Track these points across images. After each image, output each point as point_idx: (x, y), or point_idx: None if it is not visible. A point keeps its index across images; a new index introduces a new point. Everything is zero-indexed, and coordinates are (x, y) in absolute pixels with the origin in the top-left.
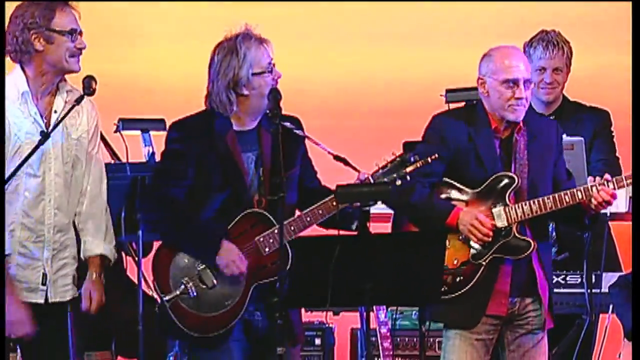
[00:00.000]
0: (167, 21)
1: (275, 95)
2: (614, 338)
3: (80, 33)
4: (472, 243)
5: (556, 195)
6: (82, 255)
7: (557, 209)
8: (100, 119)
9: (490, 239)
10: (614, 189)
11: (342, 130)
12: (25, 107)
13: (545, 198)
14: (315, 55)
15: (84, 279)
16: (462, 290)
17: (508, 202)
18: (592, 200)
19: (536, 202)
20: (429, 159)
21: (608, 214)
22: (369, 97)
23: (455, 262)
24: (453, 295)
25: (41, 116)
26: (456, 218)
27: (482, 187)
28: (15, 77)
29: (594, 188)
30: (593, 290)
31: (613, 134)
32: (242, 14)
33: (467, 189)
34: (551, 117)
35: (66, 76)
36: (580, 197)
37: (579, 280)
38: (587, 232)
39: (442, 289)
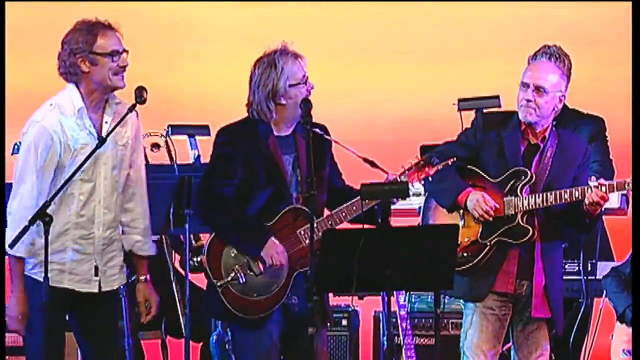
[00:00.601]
0: (209, 40)
1: (306, 104)
2: (608, 320)
3: (124, 52)
4: (483, 223)
5: (557, 192)
6: (126, 248)
7: (560, 208)
8: (142, 127)
9: (490, 218)
10: (606, 192)
11: (363, 138)
12: (80, 120)
13: (548, 193)
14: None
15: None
16: (467, 266)
17: (520, 194)
18: (585, 200)
19: (540, 195)
20: (449, 162)
21: (602, 210)
22: (388, 108)
23: (467, 240)
24: (458, 269)
25: (94, 127)
26: (466, 196)
27: (501, 178)
28: (70, 94)
29: (589, 189)
30: (589, 277)
31: (607, 138)
32: (276, 28)
33: (487, 177)
34: (553, 122)
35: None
36: (577, 195)
37: (577, 268)
38: (587, 232)
39: None
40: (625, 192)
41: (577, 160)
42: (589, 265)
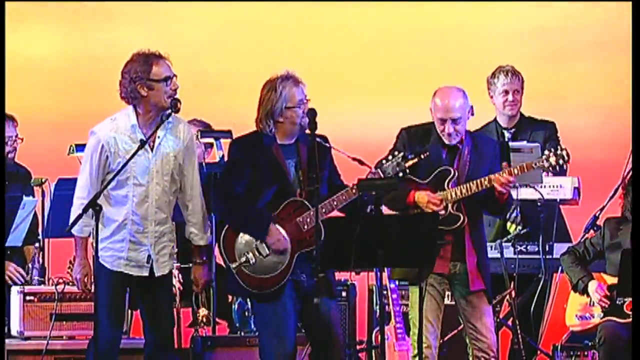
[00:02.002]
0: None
1: (312, 113)
2: (563, 291)
3: (174, 77)
4: None
5: (477, 180)
6: (186, 237)
7: (480, 196)
8: (194, 137)
9: (441, 207)
10: (508, 175)
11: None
12: (133, 135)
13: (470, 183)
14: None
15: None
16: None
17: (447, 188)
18: (495, 184)
19: (465, 186)
20: (422, 156)
21: (558, 200)
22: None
23: None
24: None
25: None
26: (413, 197)
27: (430, 178)
28: (128, 113)
29: (496, 174)
30: (547, 256)
31: (559, 139)
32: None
33: (418, 180)
34: (512, 129)
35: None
36: (492, 179)
37: (537, 248)
38: (502, 214)
39: None
40: (577, 184)
41: (489, 155)
42: (547, 246)
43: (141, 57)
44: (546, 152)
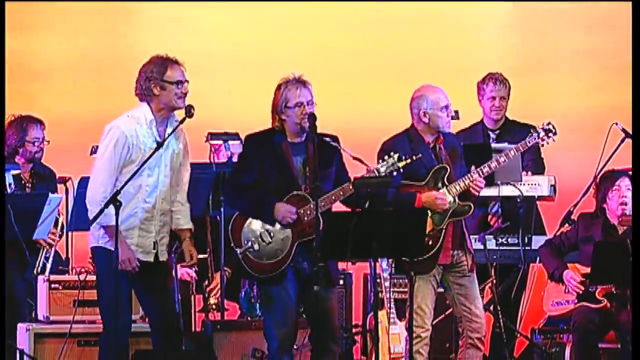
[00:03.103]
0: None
1: (312, 119)
2: (540, 280)
3: (186, 82)
4: (432, 216)
5: (479, 168)
6: (173, 227)
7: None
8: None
9: (447, 207)
10: (479, 176)
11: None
12: (150, 130)
13: (472, 173)
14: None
15: None
16: (434, 250)
17: (446, 183)
18: (473, 182)
19: (466, 178)
20: (414, 157)
21: (536, 196)
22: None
23: (426, 232)
24: (429, 254)
25: (160, 136)
26: (420, 201)
27: (428, 178)
28: (144, 110)
29: (471, 175)
30: (526, 248)
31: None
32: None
33: (417, 183)
34: (497, 131)
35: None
36: (493, 166)
37: (517, 240)
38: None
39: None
40: (553, 182)
41: (459, 150)
42: (526, 238)
43: (159, 59)
44: (536, 127)
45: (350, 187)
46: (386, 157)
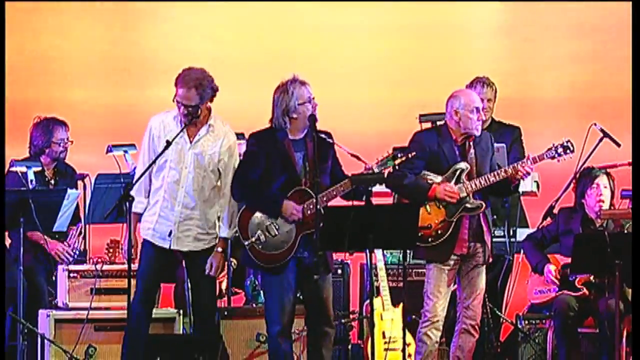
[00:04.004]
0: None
1: (312, 119)
2: (524, 270)
3: (192, 108)
4: (446, 207)
5: (495, 172)
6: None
7: (495, 182)
8: (236, 146)
9: (456, 201)
10: (531, 164)
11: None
12: (178, 127)
13: (488, 174)
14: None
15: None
16: (443, 239)
17: (464, 180)
18: (519, 172)
19: (483, 177)
20: (409, 155)
21: (520, 192)
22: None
23: (437, 221)
24: (438, 242)
25: (188, 135)
26: (434, 192)
27: (447, 174)
28: (174, 113)
29: (519, 164)
30: (511, 239)
31: (523, 142)
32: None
33: (437, 176)
34: (484, 131)
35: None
36: (510, 172)
37: (503, 232)
38: (513, 194)
39: (429, 239)
40: (537, 178)
41: (489, 147)
42: (511, 231)
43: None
44: (555, 143)
45: (348, 183)
46: (383, 154)
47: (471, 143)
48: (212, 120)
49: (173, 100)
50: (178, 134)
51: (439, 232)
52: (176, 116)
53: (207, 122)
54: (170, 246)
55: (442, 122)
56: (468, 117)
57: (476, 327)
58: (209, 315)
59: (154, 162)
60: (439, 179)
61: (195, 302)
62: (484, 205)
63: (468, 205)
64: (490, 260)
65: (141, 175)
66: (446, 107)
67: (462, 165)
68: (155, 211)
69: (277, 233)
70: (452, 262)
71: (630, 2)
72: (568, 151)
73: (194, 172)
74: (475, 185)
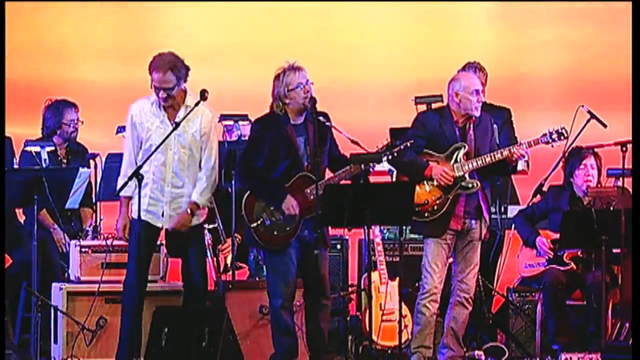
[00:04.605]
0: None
1: (313, 102)
2: (515, 245)
3: (170, 90)
4: (443, 185)
5: (492, 153)
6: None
7: (493, 163)
8: (215, 122)
9: (451, 183)
10: (526, 148)
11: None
12: (157, 111)
13: (485, 155)
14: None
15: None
16: (439, 214)
17: (461, 160)
18: (514, 154)
19: (480, 158)
20: (408, 144)
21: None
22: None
23: (434, 197)
24: (435, 217)
25: (167, 117)
26: (430, 170)
27: (446, 152)
28: (153, 99)
29: (514, 147)
30: (503, 216)
31: (513, 123)
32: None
33: (437, 154)
34: (484, 113)
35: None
36: (505, 154)
37: (494, 210)
38: (510, 174)
39: (426, 214)
40: (527, 158)
41: (488, 128)
42: (503, 208)
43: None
44: (550, 129)
45: (357, 167)
46: (383, 142)
47: (471, 124)
48: (189, 101)
49: (151, 87)
50: (189, 112)
51: (435, 208)
52: (154, 102)
53: (184, 103)
54: (163, 225)
55: (436, 104)
56: (468, 99)
57: (470, 300)
58: (201, 288)
59: (160, 145)
60: (437, 158)
61: (185, 276)
62: (479, 184)
63: (464, 184)
64: (487, 237)
65: (147, 159)
66: (447, 89)
67: (461, 145)
68: (145, 193)
69: (281, 217)
70: (448, 237)
71: (630, 2)
72: (562, 137)
73: (179, 152)
74: (472, 165)
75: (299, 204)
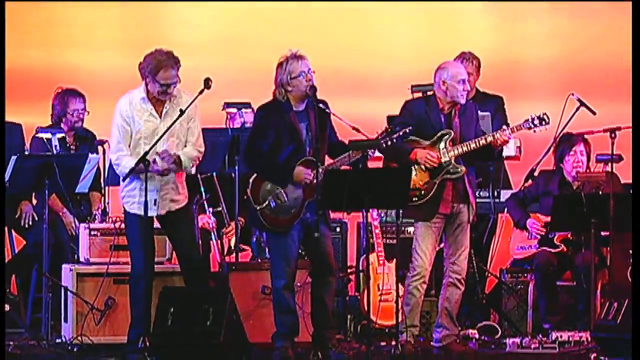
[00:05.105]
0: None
1: (313, 90)
2: (507, 228)
3: (174, 85)
4: (430, 170)
5: (477, 139)
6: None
7: (478, 148)
8: (198, 107)
9: (436, 165)
10: (509, 134)
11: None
12: (144, 104)
13: (470, 141)
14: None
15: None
16: (427, 198)
17: (447, 146)
18: (498, 140)
19: (465, 144)
20: (407, 130)
21: (504, 156)
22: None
23: (421, 182)
24: (422, 201)
25: (154, 109)
26: (415, 155)
27: (432, 139)
28: (141, 89)
29: (498, 133)
30: (495, 200)
31: (506, 110)
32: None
33: (424, 141)
34: (470, 101)
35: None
36: (489, 140)
37: (487, 194)
38: (497, 160)
39: (414, 199)
40: (519, 144)
41: (473, 116)
42: (495, 192)
43: (154, 60)
44: (532, 115)
45: (359, 153)
46: (382, 129)
47: (457, 112)
48: (175, 92)
49: (153, 83)
50: (195, 100)
51: (423, 192)
52: (144, 97)
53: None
54: (156, 214)
55: (432, 93)
56: (455, 87)
57: (462, 280)
58: (199, 260)
59: (163, 134)
60: (424, 143)
61: (182, 258)
62: (464, 169)
63: (450, 169)
64: (475, 220)
65: (152, 147)
66: (434, 77)
67: (447, 132)
68: (135, 185)
69: (286, 200)
70: (438, 221)
71: (630, 2)
72: (544, 123)
73: (168, 141)
74: (457, 150)
75: (303, 188)
